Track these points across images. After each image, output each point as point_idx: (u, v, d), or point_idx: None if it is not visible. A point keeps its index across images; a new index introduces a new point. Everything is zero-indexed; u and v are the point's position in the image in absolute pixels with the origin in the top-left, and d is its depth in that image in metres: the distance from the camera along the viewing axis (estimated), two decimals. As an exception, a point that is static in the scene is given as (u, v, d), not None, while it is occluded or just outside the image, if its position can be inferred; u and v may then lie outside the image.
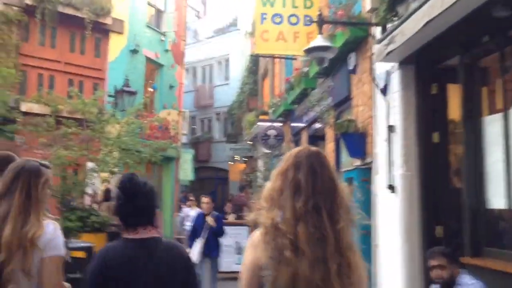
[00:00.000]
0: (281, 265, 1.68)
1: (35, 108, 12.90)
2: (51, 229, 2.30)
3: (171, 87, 18.12)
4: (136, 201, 2.27)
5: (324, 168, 1.83)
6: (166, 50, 17.84)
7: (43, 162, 2.47)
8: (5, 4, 13.31)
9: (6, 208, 2.25)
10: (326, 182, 1.80)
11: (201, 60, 26.70)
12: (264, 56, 12.26)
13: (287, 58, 10.87)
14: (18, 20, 13.39)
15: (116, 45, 15.48)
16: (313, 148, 1.91)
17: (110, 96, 14.51)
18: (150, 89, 17.66)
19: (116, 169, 9.66)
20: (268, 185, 1.85)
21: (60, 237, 2.32)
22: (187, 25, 22.96)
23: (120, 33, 15.54)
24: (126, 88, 14.52)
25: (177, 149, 18.02)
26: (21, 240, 2.18)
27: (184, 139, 20.98)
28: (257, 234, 1.79)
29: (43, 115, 11.16)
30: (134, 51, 15.90)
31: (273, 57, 11.67)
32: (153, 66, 17.54)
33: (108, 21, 14.90)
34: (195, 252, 7.41)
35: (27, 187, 2.30)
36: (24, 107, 12.91)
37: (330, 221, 1.72)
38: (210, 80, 26.70)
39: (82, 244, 6.99)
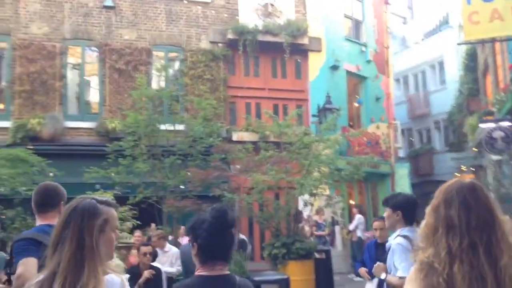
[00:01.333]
0: None
1: (245, 136, 13.40)
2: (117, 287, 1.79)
3: (377, 99, 16.99)
4: (226, 235, 2.22)
5: (480, 201, 1.74)
6: (368, 61, 16.83)
7: (104, 199, 1.95)
8: (211, 42, 14.30)
9: (56, 261, 1.76)
10: (482, 216, 1.71)
11: (411, 68, 24.89)
12: (475, 43, 10.32)
13: (508, 40, 8.85)
14: (223, 55, 14.22)
15: (315, 64, 15.20)
16: (467, 181, 1.83)
17: (313, 115, 14.25)
18: (355, 104, 16.86)
19: (316, 191, 9.03)
20: (423, 221, 1.80)
21: None
22: (393, 33, 21.60)
23: (319, 51, 15.24)
24: (328, 106, 14.11)
25: (390, 165, 16.70)
26: None
27: (401, 153, 19.50)
28: (413, 270, 1.76)
29: (254, 142, 11.37)
30: (334, 67, 15.37)
31: (489, 41, 9.70)
32: (356, 79, 16.73)
33: (305, 41, 14.80)
34: None
35: (79, 233, 1.78)
36: (236, 136, 13.52)
37: (488, 258, 1.64)
38: (424, 87, 24.56)
39: (277, 277, 6.41)
